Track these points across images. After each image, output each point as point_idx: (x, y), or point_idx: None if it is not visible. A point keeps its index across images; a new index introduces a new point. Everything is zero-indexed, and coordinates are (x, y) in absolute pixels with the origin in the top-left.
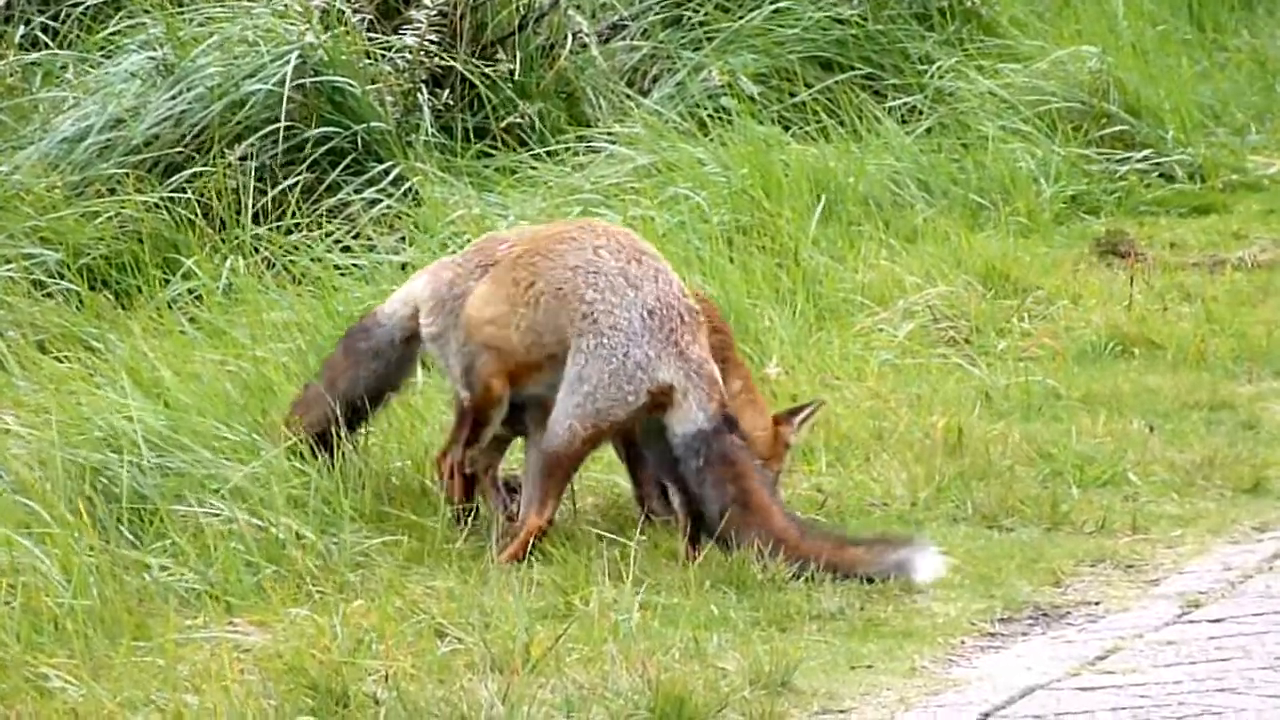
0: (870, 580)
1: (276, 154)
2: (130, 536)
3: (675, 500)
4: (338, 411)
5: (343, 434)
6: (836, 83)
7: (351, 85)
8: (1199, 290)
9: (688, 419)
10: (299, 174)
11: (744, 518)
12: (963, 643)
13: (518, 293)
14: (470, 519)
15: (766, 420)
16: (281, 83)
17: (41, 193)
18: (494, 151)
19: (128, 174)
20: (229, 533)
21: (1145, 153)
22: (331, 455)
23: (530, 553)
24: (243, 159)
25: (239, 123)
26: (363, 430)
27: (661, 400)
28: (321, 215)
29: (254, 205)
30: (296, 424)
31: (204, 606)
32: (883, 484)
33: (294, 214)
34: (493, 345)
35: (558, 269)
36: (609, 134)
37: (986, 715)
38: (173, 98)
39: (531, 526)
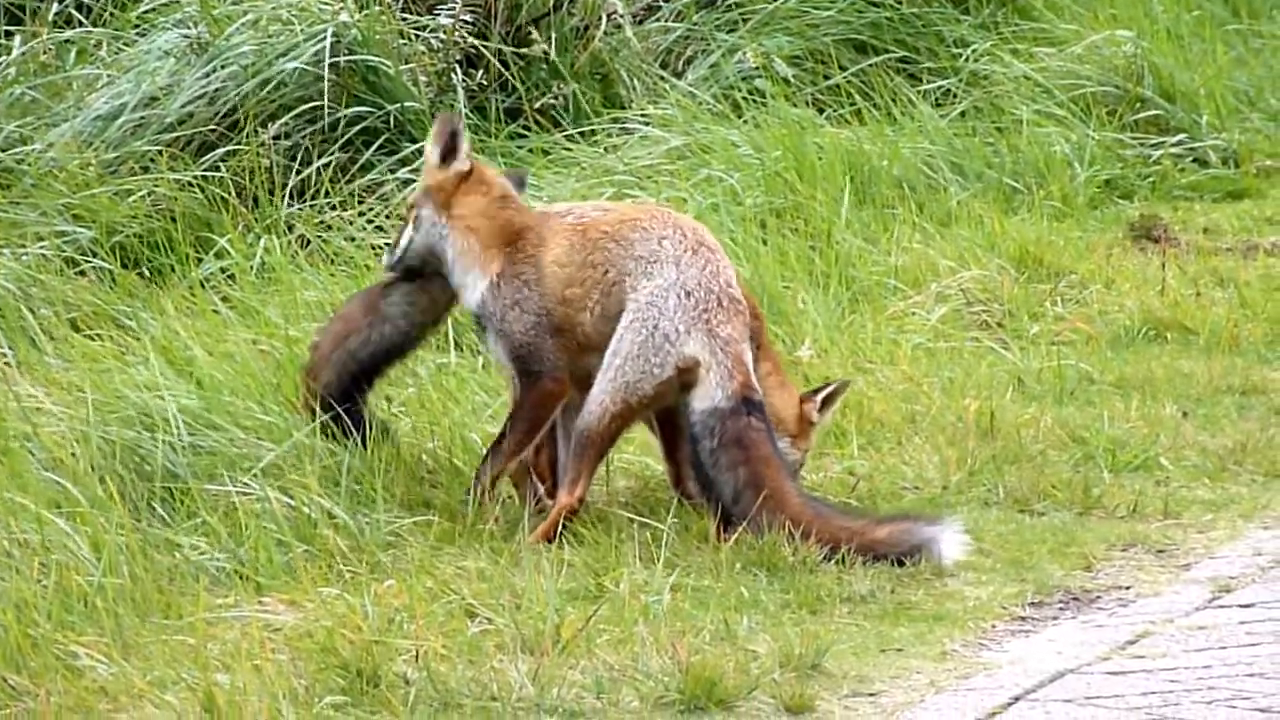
0: (900, 563)
1: (310, 133)
2: (162, 515)
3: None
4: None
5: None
6: (871, 65)
7: (385, 65)
8: (1232, 275)
9: (707, 395)
10: (332, 153)
11: (758, 503)
12: (993, 626)
13: (595, 276)
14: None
15: (794, 400)
16: (315, 62)
17: (75, 170)
18: (528, 132)
19: (161, 152)
20: (260, 512)
21: (1179, 137)
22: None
23: (561, 533)
24: (276, 138)
25: (272, 101)
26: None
27: (689, 378)
28: (355, 194)
29: (287, 184)
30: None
31: (235, 585)
32: (915, 467)
33: (327, 193)
34: (565, 327)
35: (627, 258)
36: (643, 115)
37: (1016, 699)
38: (206, 76)
39: (562, 504)
